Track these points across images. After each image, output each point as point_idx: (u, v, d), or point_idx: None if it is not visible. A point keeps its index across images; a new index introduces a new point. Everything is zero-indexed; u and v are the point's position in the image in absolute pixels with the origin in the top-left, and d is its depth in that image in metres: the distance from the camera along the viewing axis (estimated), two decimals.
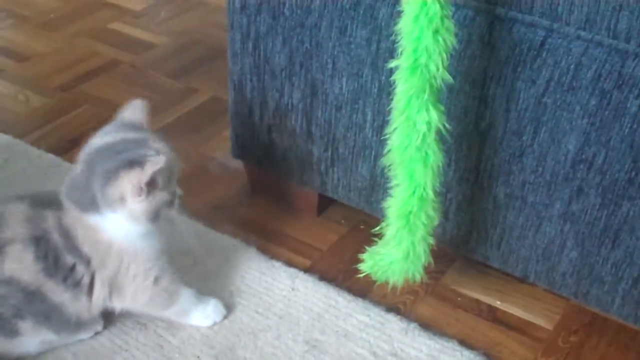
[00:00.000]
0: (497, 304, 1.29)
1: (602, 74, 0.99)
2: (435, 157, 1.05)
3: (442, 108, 1.03)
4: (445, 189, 1.16)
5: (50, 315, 1.10)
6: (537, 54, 1.03)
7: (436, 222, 1.11)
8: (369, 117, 1.21)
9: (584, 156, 1.04)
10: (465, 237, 1.22)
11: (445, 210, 1.19)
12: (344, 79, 1.21)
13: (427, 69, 0.99)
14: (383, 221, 1.15)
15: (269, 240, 1.40)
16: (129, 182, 1.04)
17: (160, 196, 1.07)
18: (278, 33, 1.25)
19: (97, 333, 1.18)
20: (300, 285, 1.28)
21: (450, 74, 1.01)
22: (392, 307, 1.26)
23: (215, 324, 1.21)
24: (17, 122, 1.68)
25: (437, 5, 0.96)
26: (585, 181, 1.06)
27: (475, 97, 1.10)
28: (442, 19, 0.97)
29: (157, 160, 1.03)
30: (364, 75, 1.19)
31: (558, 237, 1.12)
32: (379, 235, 1.16)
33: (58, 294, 1.09)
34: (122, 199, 1.05)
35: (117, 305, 1.14)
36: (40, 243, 1.07)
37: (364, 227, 1.40)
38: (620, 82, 0.99)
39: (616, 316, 1.16)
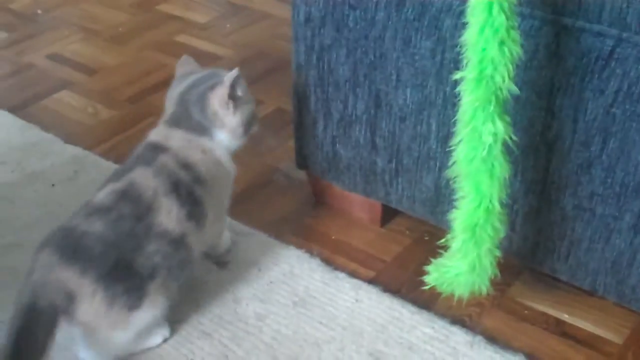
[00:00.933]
0: (565, 317, 1.27)
1: None
2: (502, 168, 1.04)
3: (508, 119, 1.02)
4: (511, 201, 1.15)
5: (184, 265, 1.17)
6: (606, 63, 1.01)
7: (502, 235, 1.10)
8: (433, 128, 1.21)
9: None
10: (532, 249, 1.21)
11: (512, 222, 1.17)
12: (408, 90, 1.21)
13: (493, 80, 0.99)
14: (448, 232, 1.14)
15: (333, 251, 1.40)
16: (217, 99, 1.22)
17: (247, 108, 1.25)
18: (342, 45, 1.25)
19: (165, 340, 1.20)
20: (364, 297, 1.28)
21: (516, 85, 1.00)
22: (457, 320, 1.25)
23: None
24: (87, 134, 1.72)
25: (503, 17, 0.96)
26: None
27: (542, 107, 1.08)
28: (507, 30, 0.96)
29: (231, 74, 1.21)
30: (428, 86, 1.18)
31: (628, 250, 1.10)
32: (444, 247, 1.16)
33: (192, 234, 1.18)
34: (217, 117, 1.23)
35: (215, 232, 1.28)
36: (178, 187, 1.17)
37: (429, 238, 1.40)
38: None
39: None
